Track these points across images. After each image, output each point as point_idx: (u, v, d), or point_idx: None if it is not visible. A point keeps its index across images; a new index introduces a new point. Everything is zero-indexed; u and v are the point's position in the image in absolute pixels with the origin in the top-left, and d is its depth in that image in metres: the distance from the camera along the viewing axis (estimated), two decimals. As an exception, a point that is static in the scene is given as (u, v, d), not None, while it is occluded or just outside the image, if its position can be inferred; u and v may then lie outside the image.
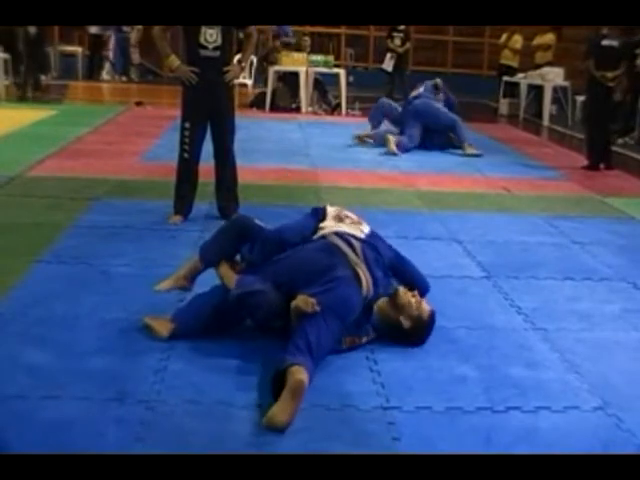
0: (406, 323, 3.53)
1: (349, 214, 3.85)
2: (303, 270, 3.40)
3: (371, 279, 3.50)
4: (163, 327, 3.45)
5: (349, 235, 3.62)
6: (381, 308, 3.58)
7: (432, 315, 3.58)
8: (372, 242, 3.67)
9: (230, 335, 3.54)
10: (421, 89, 9.34)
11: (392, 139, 8.65)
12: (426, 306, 3.59)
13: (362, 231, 3.72)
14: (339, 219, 3.77)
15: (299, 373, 2.90)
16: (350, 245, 3.55)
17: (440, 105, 9.10)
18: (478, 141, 9.77)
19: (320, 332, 3.16)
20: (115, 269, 4.33)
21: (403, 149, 8.67)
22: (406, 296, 3.56)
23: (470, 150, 8.75)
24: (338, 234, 3.61)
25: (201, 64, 5.11)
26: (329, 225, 3.73)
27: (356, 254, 3.52)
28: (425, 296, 3.73)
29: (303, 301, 3.22)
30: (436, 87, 9.29)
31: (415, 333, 3.54)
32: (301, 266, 3.43)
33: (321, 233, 3.69)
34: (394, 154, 8.45)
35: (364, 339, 3.52)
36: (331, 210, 3.85)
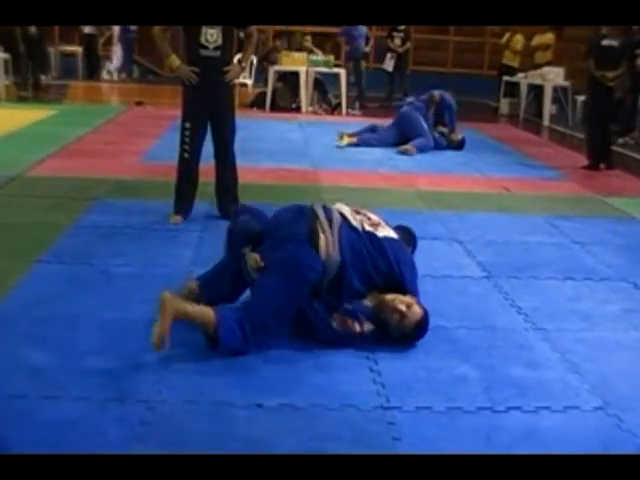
0: (394, 333, 3.52)
1: (375, 217, 3.76)
2: (272, 224, 3.55)
3: (337, 248, 3.41)
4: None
5: (339, 214, 3.59)
6: (373, 303, 3.58)
7: (419, 324, 3.50)
8: (367, 238, 3.58)
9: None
10: (414, 98, 9.44)
11: (346, 137, 9.06)
12: (413, 316, 3.48)
13: (367, 227, 3.65)
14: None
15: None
16: (329, 218, 3.51)
17: (420, 116, 9.08)
18: (478, 141, 9.79)
19: (269, 301, 3.29)
20: (115, 269, 4.33)
21: (364, 143, 9.05)
22: (388, 308, 3.49)
23: (405, 149, 8.72)
24: (325, 207, 3.58)
25: (201, 64, 5.11)
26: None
27: (330, 225, 3.47)
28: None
29: (252, 259, 3.40)
30: (431, 100, 9.29)
31: (401, 340, 3.52)
32: (273, 220, 3.60)
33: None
34: (340, 146, 8.91)
35: (357, 326, 3.48)
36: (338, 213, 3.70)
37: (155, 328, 3.13)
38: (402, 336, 3.52)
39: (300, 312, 3.42)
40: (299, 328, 3.48)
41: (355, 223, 3.64)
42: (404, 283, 3.64)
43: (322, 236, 3.42)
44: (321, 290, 3.47)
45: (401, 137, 8.95)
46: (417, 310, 3.53)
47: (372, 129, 9.38)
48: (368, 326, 3.52)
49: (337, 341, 3.47)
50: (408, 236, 4.10)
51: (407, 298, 3.56)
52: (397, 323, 3.49)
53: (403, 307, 3.50)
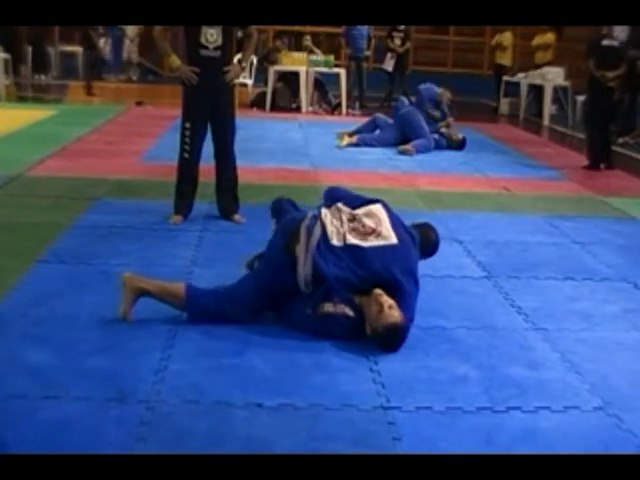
0: (367, 330, 3.52)
1: (370, 225, 3.71)
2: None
3: (310, 265, 3.53)
4: None
5: (321, 229, 3.64)
6: (359, 297, 3.59)
7: (390, 327, 3.44)
8: (347, 252, 3.59)
9: (230, 335, 3.55)
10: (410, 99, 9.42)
11: (347, 137, 9.10)
12: (390, 316, 3.44)
13: (352, 239, 3.63)
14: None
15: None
16: (309, 237, 3.61)
17: (422, 118, 9.04)
18: (478, 141, 9.79)
19: (239, 287, 3.66)
20: (115, 269, 4.32)
21: (364, 143, 9.05)
22: (370, 304, 3.50)
23: (404, 149, 8.69)
24: (308, 227, 3.64)
25: (202, 64, 5.11)
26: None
27: (307, 244, 3.58)
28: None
29: None
30: (437, 103, 9.25)
31: (375, 340, 3.49)
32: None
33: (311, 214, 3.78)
34: (340, 147, 8.94)
35: (329, 306, 3.51)
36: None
37: (120, 306, 3.57)
38: (373, 333, 3.48)
39: (281, 303, 3.66)
40: (280, 315, 3.69)
41: (335, 240, 3.62)
42: (397, 290, 3.60)
43: (297, 256, 3.57)
44: (301, 291, 3.59)
45: (402, 137, 8.94)
46: (396, 315, 3.46)
47: (372, 125, 9.34)
48: (342, 308, 3.52)
49: (311, 326, 3.54)
50: (426, 236, 3.96)
51: (392, 301, 3.51)
52: (374, 315, 3.47)
53: (386, 304, 3.48)
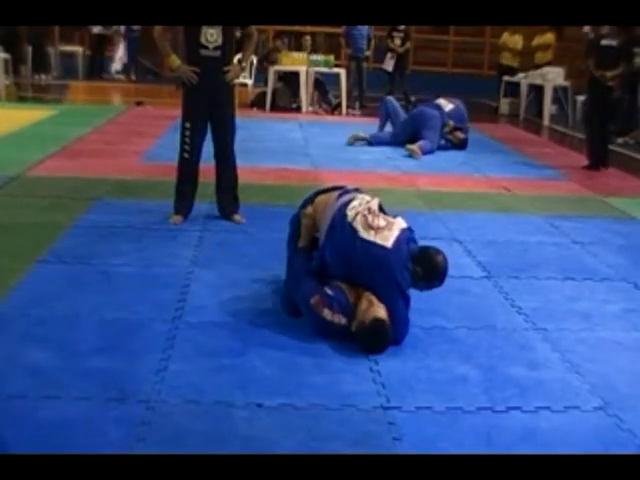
0: (354, 326, 3.54)
1: (380, 223, 3.69)
2: None
3: (329, 221, 3.74)
4: None
5: (346, 202, 3.77)
6: (353, 295, 3.64)
7: (375, 322, 3.46)
8: (348, 230, 3.65)
9: (230, 335, 3.55)
10: (451, 105, 9.38)
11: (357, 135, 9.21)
12: (377, 311, 3.49)
13: (358, 224, 3.67)
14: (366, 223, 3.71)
15: None
16: (338, 196, 3.85)
17: (440, 122, 9.04)
18: (478, 141, 9.78)
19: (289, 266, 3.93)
20: (115, 269, 4.33)
21: (376, 142, 9.10)
22: (361, 302, 3.57)
23: (412, 149, 8.62)
24: (343, 192, 3.90)
25: (201, 64, 5.11)
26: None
27: (329, 201, 3.84)
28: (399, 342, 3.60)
29: None
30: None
31: (359, 337, 3.51)
32: None
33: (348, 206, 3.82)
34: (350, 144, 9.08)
35: (327, 313, 3.55)
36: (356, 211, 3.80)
37: None
38: (359, 326, 3.49)
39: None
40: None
41: (348, 213, 3.71)
42: (374, 289, 3.62)
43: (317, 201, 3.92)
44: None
45: (412, 135, 8.91)
46: (382, 312, 3.50)
47: (384, 110, 9.30)
48: (339, 318, 3.55)
49: (308, 317, 3.63)
50: (427, 255, 3.72)
51: (382, 305, 3.54)
52: (362, 310, 3.52)
53: (375, 303, 3.52)
